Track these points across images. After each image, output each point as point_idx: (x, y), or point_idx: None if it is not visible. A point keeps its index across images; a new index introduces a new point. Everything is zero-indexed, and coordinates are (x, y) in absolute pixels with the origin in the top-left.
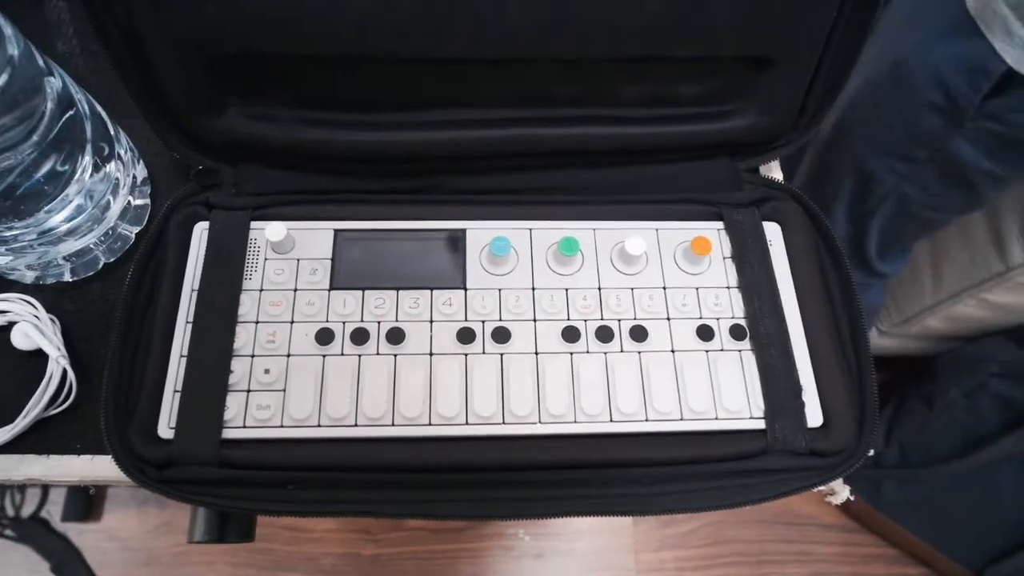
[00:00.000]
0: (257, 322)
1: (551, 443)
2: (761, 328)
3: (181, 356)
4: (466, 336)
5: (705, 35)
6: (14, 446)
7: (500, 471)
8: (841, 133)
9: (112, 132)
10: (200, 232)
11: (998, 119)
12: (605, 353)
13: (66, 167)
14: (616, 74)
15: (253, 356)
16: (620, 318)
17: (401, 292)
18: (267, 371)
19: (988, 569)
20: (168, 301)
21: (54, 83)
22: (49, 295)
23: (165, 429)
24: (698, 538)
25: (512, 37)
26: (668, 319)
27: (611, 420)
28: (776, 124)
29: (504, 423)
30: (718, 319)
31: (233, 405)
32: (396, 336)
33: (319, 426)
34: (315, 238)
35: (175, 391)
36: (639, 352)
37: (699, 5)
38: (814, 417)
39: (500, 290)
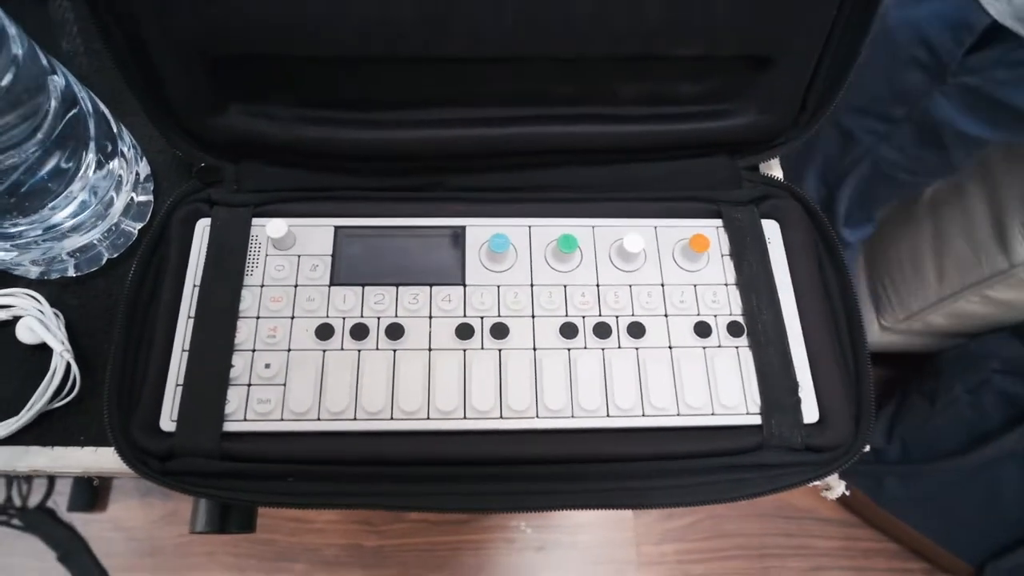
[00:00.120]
0: (258, 317)
1: (548, 437)
2: (759, 325)
3: (183, 351)
4: (465, 332)
5: (705, 34)
6: (19, 438)
7: (498, 465)
8: None
9: (115, 130)
10: (202, 228)
11: (979, 73)
12: (603, 349)
13: (70, 164)
14: (615, 73)
15: (254, 351)
16: (618, 315)
17: (401, 288)
18: (268, 366)
19: (989, 564)
20: (170, 296)
21: (58, 82)
22: (53, 290)
23: (167, 422)
24: (699, 531)
25: (510, 37)
26: (666, 316)
27: (608, 415)
28: (776, 122)
29: (502, 418)
30: (716, 316)
31: (234, 399)
32: (395, 331)
33: (319, 420)
34: (316, 235)
35: (177, 385)
36: (637, 348)
37: (699, 5)
38: (810, 413)
39: (499, 286)
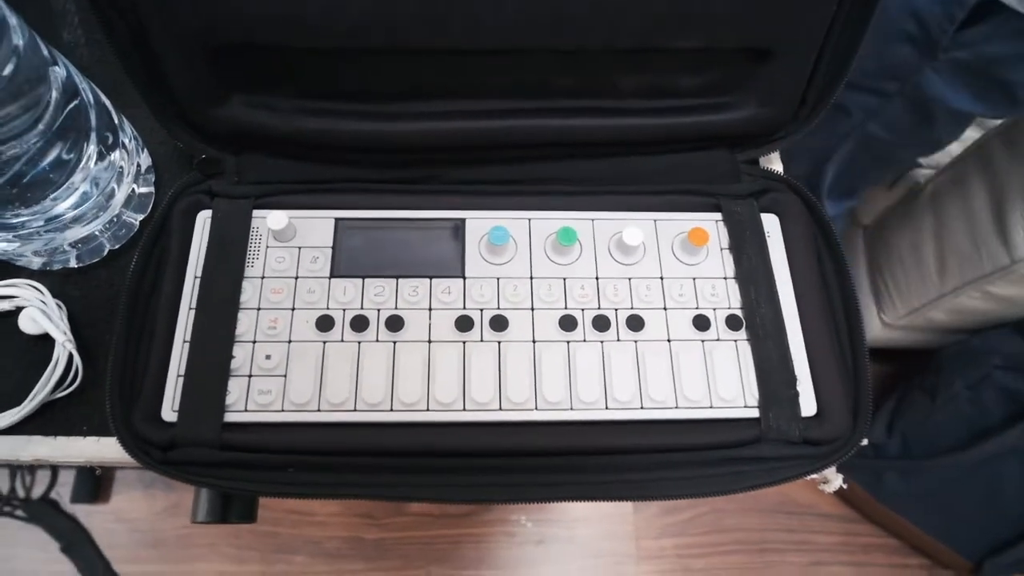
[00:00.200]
0: (259, 309)
1: (547, 430)
2: (757, 318)
3: (184, 342)
4: (464, 324)
5: (705, 27)
6: (22, 427)
7: (497, 456)
8: None
9: (116, 121)
10: (203, 220)
11: (970, 48)
12: (602, 342)
13: (71, 156)
14: (615, 65)
15: (255, 342)
16: (617, 307)
17: (401, 280)
18: (268, 357)
19: (988, 560)
20: (171, 288)
21: (59, 73)
22: (55, 281)
23: (169, 412)
24: (699, 526)
25: (510, 29)
26: (665, 309)
27: (607, 408)
28: (776, 116)
29: (501, 409)
30: (714, 309)
31: (235, 390)
32: (395, 323)
33: (319, 411)
34: (316, 227)
35: (178, 375)
36: (635, 341)
37: None
38: (808, 406)
39: (498, 279)
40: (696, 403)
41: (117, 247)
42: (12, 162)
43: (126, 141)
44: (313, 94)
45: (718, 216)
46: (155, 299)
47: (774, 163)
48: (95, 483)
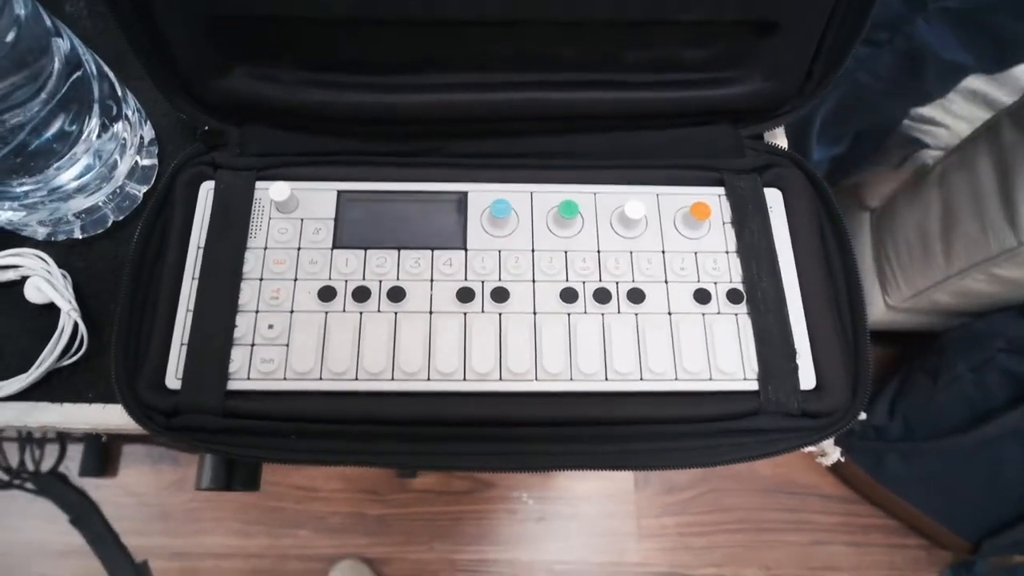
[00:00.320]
0: (261, 279)
1: (547, 400)
2: (758, 292)
3: (187, 311)
4: (465, 295)
5: None
6: (29, 394)
7: (497, 426)
8: None
9: (120, 93)
10: (206, 191)
11: None
12: (602, 314)
13: (74, 126)
14: (619, 38)
15: (257, 312)
16: (618, 280)
17: (402, 252)
18: (271, 326)
19: (986, 541)
20: (175, 258)
21: (62, 44)
22: (60, 251)
23: (172, 380)
24: (700, 505)
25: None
26: (666, 282)
27: (606, 379)
28: (780, 90)
29: (501, 380)
30: (716, 283)
31: (238, 358)
32: (397, 294)
33: (321, 379)
34: (318, 198)
35: (182, 344)
36: (636, 314)
37: None
38: (807, 380)
39: (500, 251)
40: (696, 375)
41: (121, 218)
42: (16, 131)
43: (129, 113)
44: (315, 66)
45: (721, 191)
46: (159, 269)
47: (778, 138)
48: (103, 457)
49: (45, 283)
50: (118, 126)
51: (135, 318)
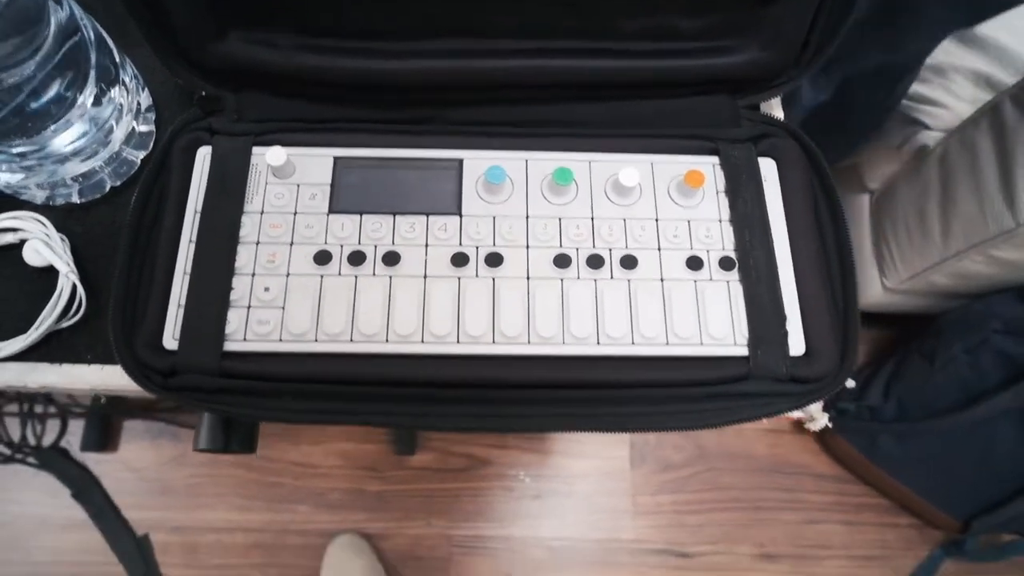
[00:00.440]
0: (258, 243)
1: (539, 363)
2: (750, 260)
3: (184, 273)
4: (460, 260)
5: None
6: (29, 355)
7: (489, 388)
8: None
9: (118, 59)
10: (203, 156)
11: None
12: (595, 280)
13: (71, 90)
14: (617, 6)
15: (254, 275)
16: (611, 247)
17: (398, 217)
18: (267, 289)
19: (977, 520)
20: (172, 221)
21: (59, 10)
22: (59, 216)
23: (170, 340)
24: (695, 483)
25: None
26: (659, 249)
27: (598, 343)
28: (778, 60)
29: (494, 343)
30: (708, 251)
31: (234, 320)
32: (392, 258)
33: (316, 341)
34: (315, 164)
35: (179, 306)
36: (628, 280)
37: None
38: (797, 346)
39: (495, 217)
40: (687, 340)
41: (119, 184)
42: (15, 92)
43: (126, 79)
44: (312, 31)
45: (715, 160)
46: (156, 232)
47: (775, 109)
48: (104, 432)
49: (44, 246)
50: (115, 91)
51: (133, 280)
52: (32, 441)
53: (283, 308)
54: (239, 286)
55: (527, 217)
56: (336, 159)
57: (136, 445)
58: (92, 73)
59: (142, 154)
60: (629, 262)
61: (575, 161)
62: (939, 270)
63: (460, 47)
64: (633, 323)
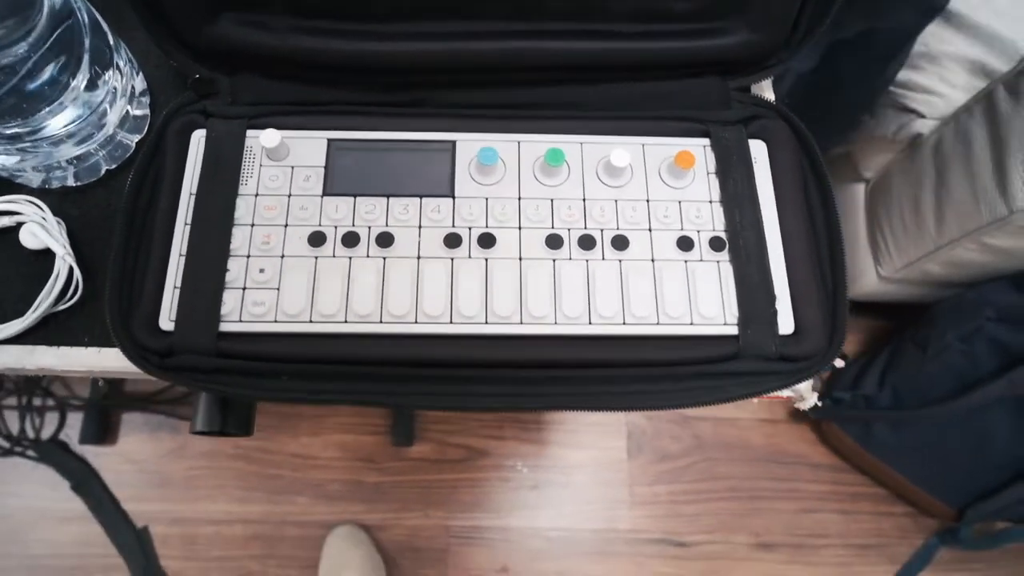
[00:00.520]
0: (252, 225)
1: (532, 342)
2: (740, 241)
3: (180, 255)
4: (453, 241)
5: None
6: (26, 338)
7: (482, 367)
8: None
9: (112, 42)
10: (198, 139)
11: None
12: (587, 260)
13: (65, 73)
14: None
15: (249, 256)
16: (603, 228)
17: (392, 199)
18: (262, 270)
19: (971, 508)
20: (168, 204)
21: None
22: (55, 199)
23: (166, 322)
24: (692, 474)
25: None
26: (650, 230)
27: (590, 323)
28: (767, 42)
29: (487, 323)
30: (699, 231)
31: (229, 301)
32: (386, 240)
33: (311, 322)
34: (309, 146)
35: (175, 287)
36: (620, 260)
37: None
38: (786, 325)
39: (487, 199)
40: (677, 320)
41: (114, 167)
42: (9, 73)
43: (121, 63)
44: (306, 12)
45: (706, 141)
46: (151, 214)
47: (765, 91)
48: (102, 425)
49: (40, 228)
50: (108, 74)
51: (129, 263)
52: (31, 434)
53: (278, 289)
54: (234, 267)
55: (519, 198)
56: (330, 141)
57: (135, 438)
58: (86, 56)
59: (137, 137)
60: (620, 242)
61: (567, 143)
62: (933, 258)
63: (453, 29)
64: (624, 303)
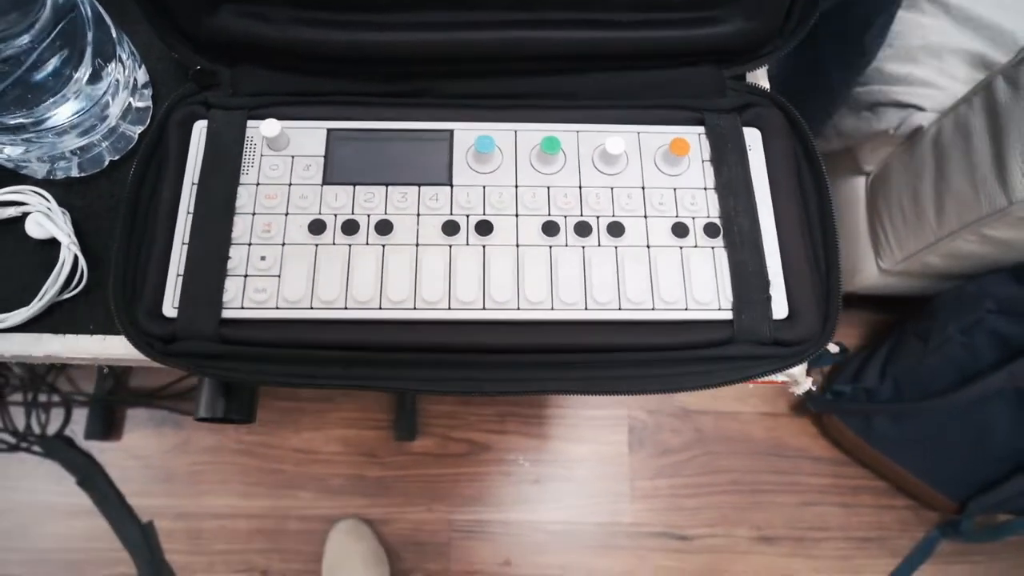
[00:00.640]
0: (254, 213)
1: (529, 328)
2: (734, 227)
3: (183, 244)
4: (451, 228)
5: None
6: (32, 326)
7: (480, 352)
8: None
9: (114, 35)
10: (199, 130)
11: None
12: (583, 247)
13: (68, 65)
14: None
15: (250, 244)
16: (599, 215)
17: (390, 187)
18: (263, 258)
19: (972, 500)
20: (170, 193)
21: None
22: (59, 190)
23: (169, 309)
24: (693, 467)
25: None
26: (645, 217)
27: (586, 308)
28: (761, 30)
29: (485, 308)
30: (693, 218)
31: (231, 288)
32: (385, 227)
33: (311, 308)
34: (309, 136)
35: (178, 275)
36: (615, 247)
37: None
38: (780, 310)
39: (484, 187)
40: (672, 305)
41: (117, 158)
42: (13, 64)
43: (123, 56)
44: (305, 3)
45: (701, 129)
46: (154, 204)
47: (760, 80)
48: (107, 421)
49: (45, 218)
50: (111, 66)
51: (132, 251)
52: (37, 430)
53: (279, 276)
54: (236, 255)
55: (516, 186)
56: (329, 131)
57: (139, 433)
58: (89, 49)
59: (140, 129)
60: (616, 229)
61: (563, 131)
62: (933, 250)
63: (452, 19)
64: (620, 288)
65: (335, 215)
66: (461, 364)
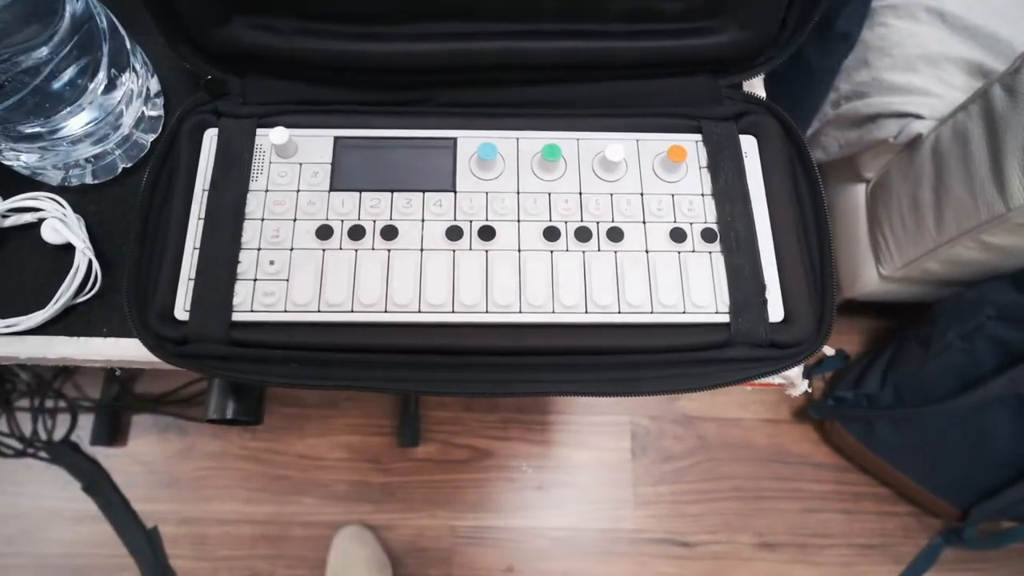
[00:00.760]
0: (263, 219)
1: (530, 330)
2: (731, 232)
3: (194, 248)
4: (454, 233)
5: None
6: (47, 329)
7: (483, 354)
8: None
9: (128, 45)
10: (210, 138)
11: None
12: (583, 252)
13: (84, 75)
14: None
15: (259, 249)
16: (598, 220)
17: (395, 194)
18: (272, 262)
19: (975, 507)
20: (182, 200)
21: (75, 0)
22: (74, 196)
23: (181, 312)
24: (695, 474)
25: None
26: (644, 222)
27: (586, 311)
28: (756, 40)
29: (487, 312)
30: (691, 223)
31: (241, 292)
32: (390, 233)
33: (319, 311)
34: (316, 144)
35: (189, 279)
36: (615, 251)
37: None
38: (776, 313)
39: (487, 193)
40: (671, 308)
41: (130, 165)
42: (33, 74)
43: (137, 66)
44: (312, 15)
45: (698, 137)
46: (166, 209)
47: (756, 88)
48: (113, 427)
49: (61, 224)
50: (125, 76)
51: (145, 256)
52: (43, 435)
53: (287, 280)
54: (246, 260)
55: (518, 193)
56: (336, 139)
57: (144, 439)
58: (104, 59)
59: (152, 137)
60: (615, 234)
61: (563, 139)
62: (933, 257)
63: (452, 30)
64: (619, 292)
65: (342, 221)
66: (464, 366)
